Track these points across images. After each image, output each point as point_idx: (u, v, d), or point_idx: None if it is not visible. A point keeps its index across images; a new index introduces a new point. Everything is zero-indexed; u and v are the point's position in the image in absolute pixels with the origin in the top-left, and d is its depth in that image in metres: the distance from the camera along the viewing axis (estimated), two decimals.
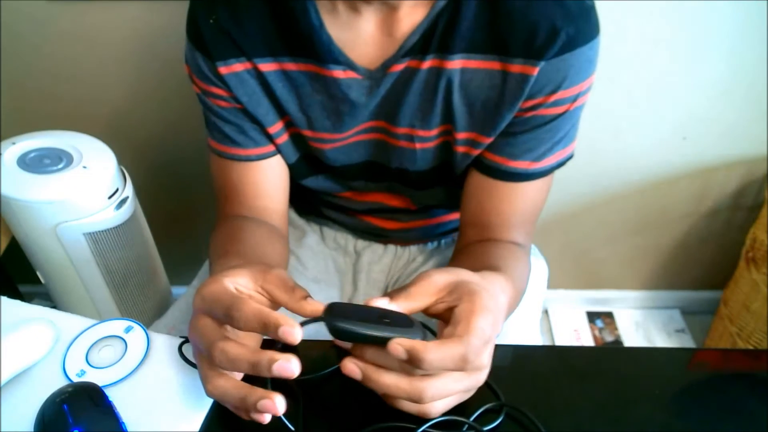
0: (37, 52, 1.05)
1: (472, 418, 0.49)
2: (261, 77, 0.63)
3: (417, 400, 0.43)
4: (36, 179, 0.69)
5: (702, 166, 1.26)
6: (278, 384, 0.52)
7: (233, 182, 0.71)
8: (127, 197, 0.75)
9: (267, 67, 0.62)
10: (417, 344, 0.40)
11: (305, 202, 0.86)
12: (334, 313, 0.43)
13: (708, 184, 1.29)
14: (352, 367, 0.43)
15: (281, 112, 0.66)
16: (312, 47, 0.60)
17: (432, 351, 0.40)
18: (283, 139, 0.69)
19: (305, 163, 0.73)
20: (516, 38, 0.56)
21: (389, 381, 0.43)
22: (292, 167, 0.73)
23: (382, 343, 0.42)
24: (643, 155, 1.25)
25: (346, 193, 0.78)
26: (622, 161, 1.26)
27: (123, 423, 0.46)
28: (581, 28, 0.56)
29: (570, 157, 0.66)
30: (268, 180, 0.71)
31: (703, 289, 1.53)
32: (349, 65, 0.60)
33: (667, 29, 1.05)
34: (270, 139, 0.69)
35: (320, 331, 0.76)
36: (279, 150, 0.70)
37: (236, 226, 0.68)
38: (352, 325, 0.42)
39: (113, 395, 0.48)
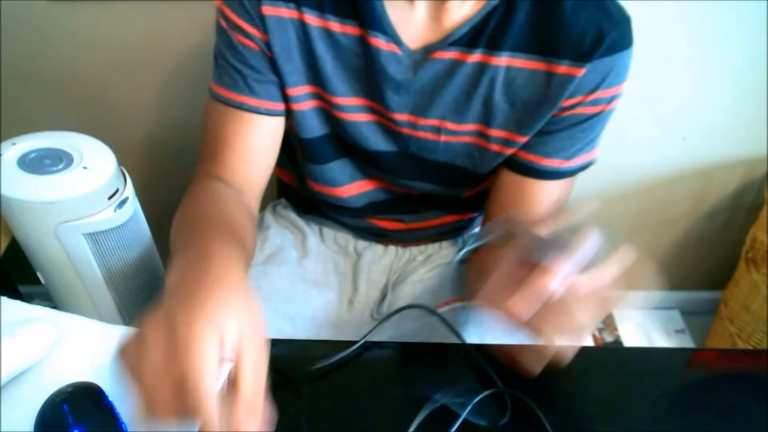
0: (37, 52, 1.05)
1: (475, 400, 0.50)
2: (304, 30, 0.61)
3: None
4: (36, 179, 0.69)
5: (702, 166, 1.26)
6: (279, 377, 0.52)
7: (225, 135, 0.66)
8: (127, 198, 0.75)
9: (312, 21, 0.61)
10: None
11: (306, 202, 0.86)
12: None
13: (708, 184, 1.29)
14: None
15: (312, 73, 0.64)
16: (363, 12, 0.60)
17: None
18: (304, 106, 0.67)
19: (330, 144, 0.71)
20: (565, 41, 0.58)
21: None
22: (315, 145, 0.71)
23: None
24: (643, 155, 1.25)
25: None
26: (623, 161, 1.26)
27: (123, 423, 0.46)
28: (623, 33, 0.59)
29: (593, 162, 0.68)
30: (260, 141, 0.67)
31: (703, 289, 1.53)
32: (394, 39, 0.61)
33: (667, 30, 1.05)
34: (284, 100, 0.66)
35: (320, 333, 0.76)
36: (296, 117, 0.67)
37: (217, 192, 0.64)
38: None
39: (113, 395, 0.48)
